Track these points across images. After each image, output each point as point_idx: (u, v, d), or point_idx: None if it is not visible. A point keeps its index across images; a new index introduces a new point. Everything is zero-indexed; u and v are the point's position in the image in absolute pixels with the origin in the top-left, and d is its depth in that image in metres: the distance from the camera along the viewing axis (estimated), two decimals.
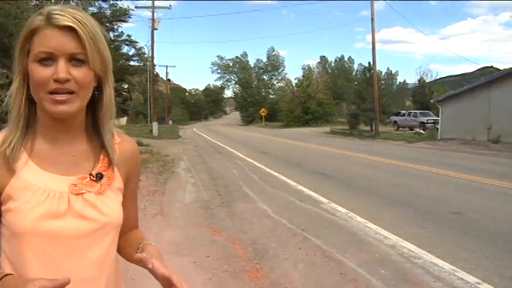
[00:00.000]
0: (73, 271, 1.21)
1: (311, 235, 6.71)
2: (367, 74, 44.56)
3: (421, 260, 5.65)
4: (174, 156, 18.32)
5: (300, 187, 10.88)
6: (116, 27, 39.70)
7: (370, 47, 36.67)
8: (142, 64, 54.29)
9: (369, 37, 45.26)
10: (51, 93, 1.18)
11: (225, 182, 11.80)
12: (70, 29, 1.17)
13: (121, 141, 1.40)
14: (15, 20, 7.77)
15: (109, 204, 1.31)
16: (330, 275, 5.18)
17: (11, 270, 1.19)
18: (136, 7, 44.16)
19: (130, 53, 49.99)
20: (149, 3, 39.30)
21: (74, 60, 1.19)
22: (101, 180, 1.31)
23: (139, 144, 18.69)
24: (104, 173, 1.32)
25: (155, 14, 36.68)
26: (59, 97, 1.18)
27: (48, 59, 1.18)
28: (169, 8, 38.88)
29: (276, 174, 13.23)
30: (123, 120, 55.96)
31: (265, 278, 5.06)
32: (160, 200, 9.37)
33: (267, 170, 14.22)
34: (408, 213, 8.26)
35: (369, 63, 42.41)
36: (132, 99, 63.85)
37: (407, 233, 6.87)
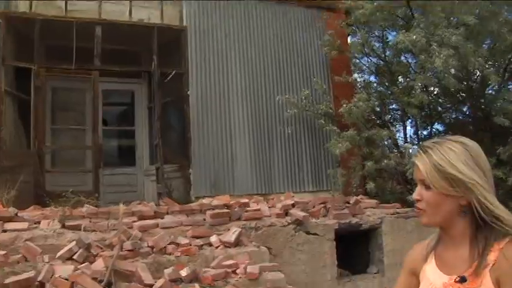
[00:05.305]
0: None
1: None
2: None
3: None
4: None
5: None
6: None
7: None
8: None
9: None
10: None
11: None
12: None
13: (507, 247, 1.45)
14: None
15: None
16: None
17: None
18: None
19: None
20: None
21: (425, 185, 1.54)
22: (463, 283, 1.46)
23: None
24: (467, 277, 1.46)
25: None
26: (417, 212, 1.59)
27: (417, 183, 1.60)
28: None
29: None
30: None
31: None
32: None
33: None
34: None
35: None
36: None
37: None
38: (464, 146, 1.53)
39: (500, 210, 1.47)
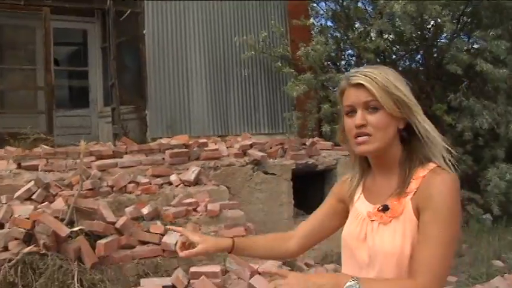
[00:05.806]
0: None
1: None
2: None
3: None
4: None
5: None
6: None
7: None
8: None
9: None
10: (356, 137, 1.50)
11: None
12: (361, 85, 1.48)
13: (429, 175, 1.46)
14: None
15: (384, 235, 1.48)
16: None
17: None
18: None
19: None
20: None
21: (370, 108, 1.47)
22: (386, 212, 1.48)
23: None
24: (389, 205, 1.48)
25: None
26: (359, 139, 1.49)
27: (351, 111, 1.51)
28: None
29: None
30: None
31: None
32: None
33: None
34: None
35: None
36: None
37: None
38: (394, 71, 1.54)
39: (432, 129, 1.50)
